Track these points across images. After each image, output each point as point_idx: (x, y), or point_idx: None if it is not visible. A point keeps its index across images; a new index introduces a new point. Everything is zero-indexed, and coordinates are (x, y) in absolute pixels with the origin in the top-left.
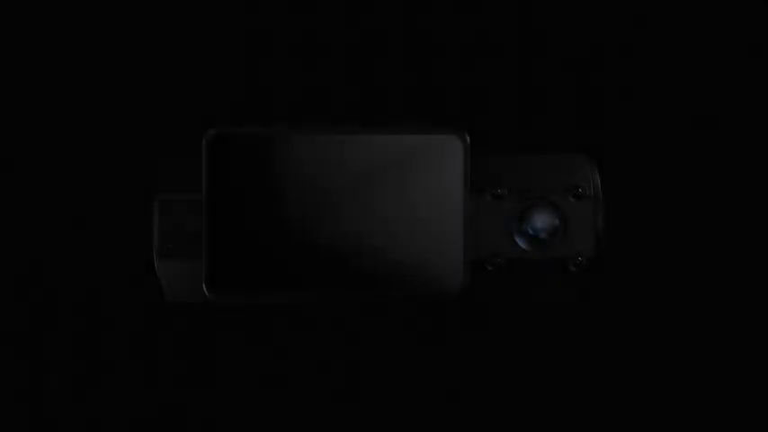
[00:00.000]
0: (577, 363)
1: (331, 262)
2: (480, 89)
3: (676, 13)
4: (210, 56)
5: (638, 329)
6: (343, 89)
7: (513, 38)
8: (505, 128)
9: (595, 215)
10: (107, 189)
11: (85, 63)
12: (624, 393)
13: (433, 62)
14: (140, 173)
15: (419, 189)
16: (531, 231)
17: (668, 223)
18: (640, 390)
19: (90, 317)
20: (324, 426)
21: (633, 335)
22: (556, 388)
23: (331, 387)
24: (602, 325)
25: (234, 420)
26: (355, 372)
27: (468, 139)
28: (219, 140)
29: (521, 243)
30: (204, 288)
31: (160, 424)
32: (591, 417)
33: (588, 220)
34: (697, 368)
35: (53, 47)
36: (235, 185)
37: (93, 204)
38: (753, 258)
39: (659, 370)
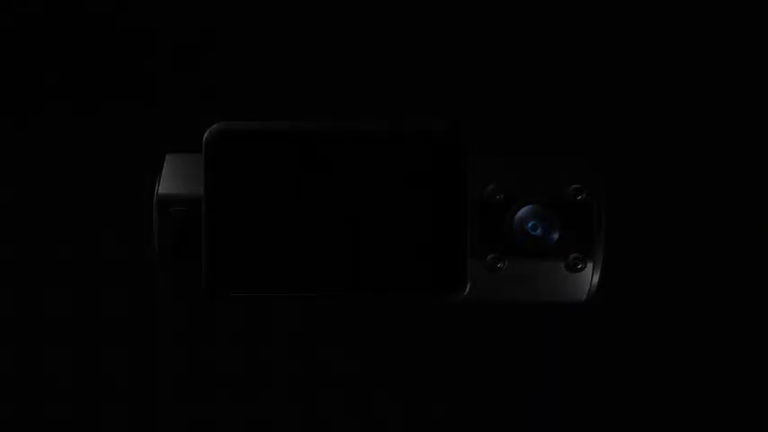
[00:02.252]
0: (578, 363)
1: (332, 263)
2: (482, 89)
3: (678, 13)
4: (213, 53)
5: (639, 330)
6: (344, 88)
7: (515, 38)
8: (507, 129)
9: (597, 217)
10: (108, 187)
11: (86, 60)
12: (625, 394)
13: (433, 62)
14: (141, 170)
15: (420, 190)
16: (529, 230)
17: (669, 224)
18: (641, 391)
19: (90, 316)
20: (323, 426)
21: (634, 336)
22: (556, 388)
23: (330, 387)
24: (603, 325)
25: (234, 420)
26: (354, 372)
27: (468, 139)
28: (221, 137)
29: (520, 242)
30: (204, 288)
31: (160, 425)
32: (591, 417)
33: (590, 221)
34: (699, 370)
35: (54, 44)
36: (236, 183)
37: (93, 202)
38: (754, 259)
39: (660, 371)
